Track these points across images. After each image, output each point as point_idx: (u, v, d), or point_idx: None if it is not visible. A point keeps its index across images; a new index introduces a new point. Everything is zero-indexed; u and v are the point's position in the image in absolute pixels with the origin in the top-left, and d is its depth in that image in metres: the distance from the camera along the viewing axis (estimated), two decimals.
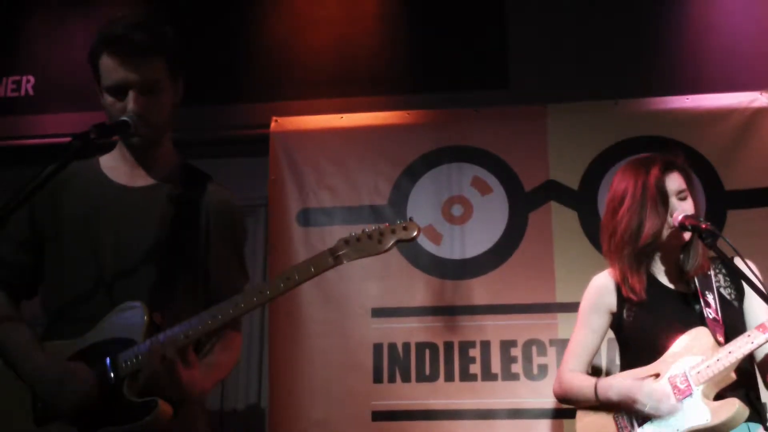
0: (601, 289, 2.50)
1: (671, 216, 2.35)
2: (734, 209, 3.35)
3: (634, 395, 2.26)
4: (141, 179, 2.14)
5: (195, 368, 1.94)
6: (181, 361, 1.88)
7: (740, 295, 2.39)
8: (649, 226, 2.35)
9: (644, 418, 2.27)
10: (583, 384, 2.42)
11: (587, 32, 3.77)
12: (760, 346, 2.20)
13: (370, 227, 1.96)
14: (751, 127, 3.42)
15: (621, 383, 2.33)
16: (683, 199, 2.40)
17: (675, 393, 2.24)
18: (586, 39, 3.75)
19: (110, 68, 1.99)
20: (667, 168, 2.41)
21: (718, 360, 2.20)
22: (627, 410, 2.30)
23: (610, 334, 2.56)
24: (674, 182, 2.40)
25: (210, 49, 3.92)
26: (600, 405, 2.36)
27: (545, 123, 3.55)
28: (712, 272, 2.41)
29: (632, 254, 2.40)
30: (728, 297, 2.39)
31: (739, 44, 3.67)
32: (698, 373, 2.23)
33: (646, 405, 2.24)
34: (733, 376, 2.23)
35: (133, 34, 1.97)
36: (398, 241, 1.95)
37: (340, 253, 1.94)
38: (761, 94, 3.46)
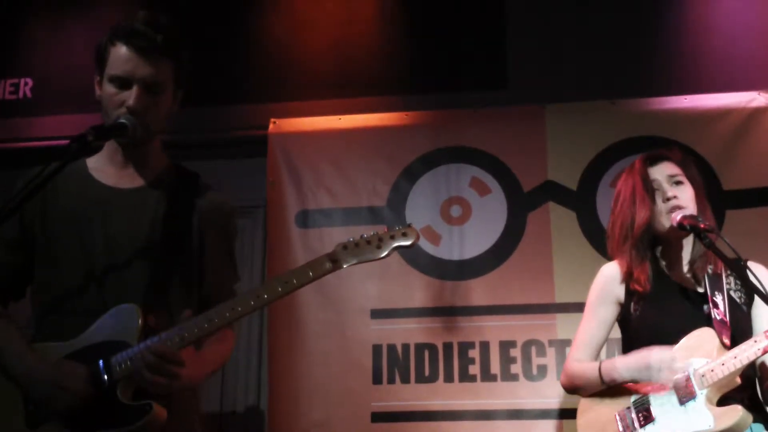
0: (609, 279, 2.50)
1: (664, 202, 2.39)
2: (732, 209, 3.34)
3: (647, 362, 2.25)
4: (129, 181, 2.13)
5: (185, 366, 1.92)
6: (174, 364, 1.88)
7: (750, 299, 2.38)
8: (639, 216, 2.41)
9: (646, 418, 2.25)
10: (586, 367, 2.41)
11: (586, 32, 3.76)
12: (767, 352, 2.16)
13: (368, 232, 1.96)
14: (749, 127, 3.42)
15: (627, 360, 2.31)
16: (678, 183, 2.43)
17: (678, 395, 2.22)
18: (585, 39, 3.74)
19: (123, 58, 2.01)
20: (650, 160, 2.48)
21: (723, 364, 2.17)
22: (638, 386, 2.28)
23: (613, 332, 2.55)
24: (661, 170, 2.45)
25: (208, 51, 3.91)
26: (604, 395, 2.35)
27: (544, 123, 3.55)
28: (723, 273, 2.41)
29: (633, 247, 2.43)
30: (738, 300, 2.37)
31: (737, 44, 3.67)
32: (702, 376, 2.20)
33: (661, 370, 2.22)
34: (738, 380, 2.20)
35: (154, 33, 2.01)
36: (397, 247, 1.96)
37: (339, 258, 1.94)
38: (759, 94, 3.46)
